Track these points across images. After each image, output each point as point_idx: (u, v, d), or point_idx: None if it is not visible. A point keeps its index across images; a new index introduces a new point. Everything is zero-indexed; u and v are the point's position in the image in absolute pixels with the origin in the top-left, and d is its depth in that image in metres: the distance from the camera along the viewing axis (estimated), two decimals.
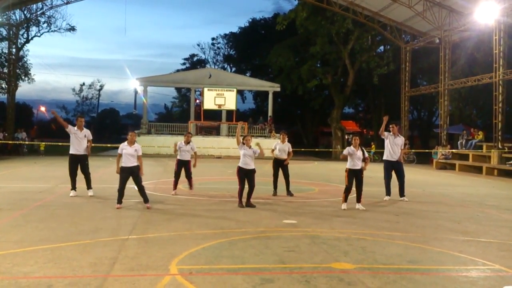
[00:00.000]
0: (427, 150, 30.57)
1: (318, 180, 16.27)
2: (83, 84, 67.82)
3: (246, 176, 9.43)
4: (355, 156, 9.44)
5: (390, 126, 11.47)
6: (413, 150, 30.39)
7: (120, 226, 7.21)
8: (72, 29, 38.11)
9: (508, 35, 23.10)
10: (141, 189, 9.05)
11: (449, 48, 27.46)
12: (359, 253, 5.80)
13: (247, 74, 49.24)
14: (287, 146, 11.55)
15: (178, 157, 11.29)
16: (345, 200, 9.46)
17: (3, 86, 34.37)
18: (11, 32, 32.15)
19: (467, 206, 10.66)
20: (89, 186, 10.50)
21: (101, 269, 4.87)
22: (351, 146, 9.57)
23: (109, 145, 27.89)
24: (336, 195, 11.17)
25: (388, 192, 11.16)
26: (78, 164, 10.42)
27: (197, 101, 41.25)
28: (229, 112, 35.32)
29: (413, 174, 19.74)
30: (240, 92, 46.98)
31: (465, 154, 24.24)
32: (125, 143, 9.17)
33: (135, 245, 5.94)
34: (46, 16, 35.35)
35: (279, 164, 11.49)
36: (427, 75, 37.04)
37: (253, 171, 9.46)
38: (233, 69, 56.21)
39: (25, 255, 5.36)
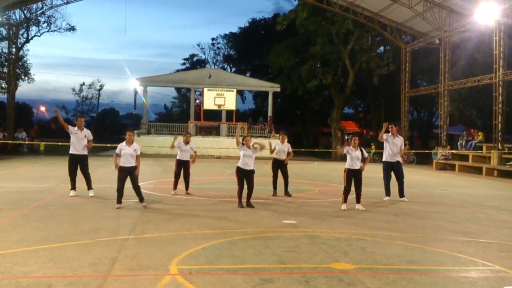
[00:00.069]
0: (427, 151, 30.58)
1: (318, 180, 16.26)
2: (83, 84, 67.95)
3: (245, 176, 9.43)
4: (353, 155, 9.45)
5: (389, 126, 11.48)
6: (413, 151, 30.39)
7: (120, 226, 7.21)
8: (72, 29, 38.12)
9: (508, 36, 23.10)
10: (137, 189, 9.08)
11: (449, 49, 27.46)
12: (359, 254, 5.81)
13: (247, 74, 49.26)
14: (287, 147, 11.56)
15: (178, 157, 11.29)
16: (345, 200, 9.47)
17: (3, 85, 34.37)
18: (11, 31, 32.14)
19: (467, 206, 10.66)
20: (89, 187, 10.49)
21: (101, 269, 4.87)
22: (351, 146, 9.58)
23: (108, 145, 27.88)
24: (336, 195, 11.17)
25: (387, 193, 11.16)
26: (78, 164, 10.41)
27: (197, 101, 41.27)
28: (229, 112, 35.32)
29: (413, 174, 19.74)
30: (240, 92, 46.99)
31: (465, 154, 24.25)
32: (124, 143, 9.18)
33: (135, 245, 5.94)
34: (46, 15, 35.38)
35: (279, 165, 11.49)
36: (427, 75, 37.05)
37: (252, 172, 9.46)
38: (233, 69, 56.25)
39: (25, 254, 5.36)
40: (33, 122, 58.90)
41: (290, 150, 11.64)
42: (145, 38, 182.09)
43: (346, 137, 34.42)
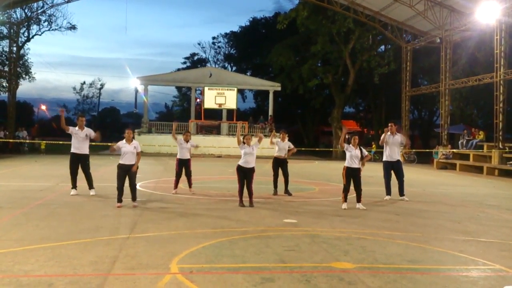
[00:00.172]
0: (427, 150, 30.57)
1: (318, 179, 16.27)
2: (84, 82, 67.86)
3: (245, 174, 9.43)
4: (352, 154, 9.46)
5: (389, 124, 11.46)
6: (413, 150, 30.37)
7: (121, 225, 7.21)
8: (72, 27, 38.18)
9: (509, 35, 23.05)
10: (133, 187, 9.08)
11: (450, 48, 27.44)
12: (360, 253, 5.81)
13: (248, 73, 49.23)
14: (287, 145, 11.58)
15: (178, 156, 11.28)
16: (345, 199, 9.47)
17: (4, 84, 34.41)
18: (12, 30, 32.13)
19: (468, 206, 10.66)
20: (90, 186, 10.50)
21: (101, 268, 4.87)
22: (350, 144, 9.59)
23: (109, 144, 27.85)
24: (337, 194, 11.17)
25: (388, 192, 11.16)
26: (79, 163, 10.43)
27: (198, 100, 41.28)
28: (230, 111, 35.32)
29: (414, 173, 19.73)
30: (240, 91, 46.98)
31: (465, 154, 24.23)
32: (123, 141, 9.19)
33: (135, 244, 5.95)
34: (47, 14, 35.44)
35: (279, 164, 11.50)
36: (428, 74, 37.02)
37: (252, 170, 9.46)
38: (234, 68, 56.24)
39: (25, 253, 5.36)
40: (34, 121, 59.00)
41: (292, 146, 11.66)
42: (146, 37, 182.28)
43: (346, 136, 34.37)
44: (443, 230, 7.54)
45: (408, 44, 31.12)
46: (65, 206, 8.88)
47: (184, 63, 60.06)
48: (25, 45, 35.59)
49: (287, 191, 11.32)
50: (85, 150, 10.51)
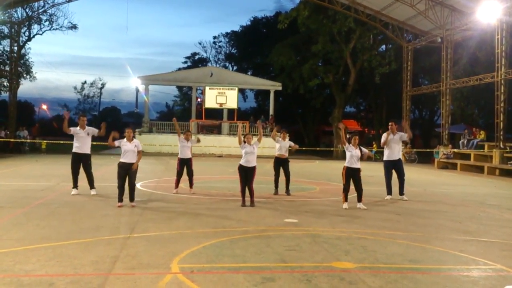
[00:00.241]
0: (428, 150, 30.54)
1: (319, 179, 16.26)
2: (85, 82, 67.93)
3: (246, 173, 9.42)
4: (353, 154, 9.46)
5: (389, 123, 11.47)
6: (414, 150, 30.35)
7: (122, 225, 7.22)
8: (73, 27, 38.15)
9: (510, 35, 23.03)
10: (132, 187, 9.07)
11: (451, 47, 27.41)
12: (360, 252, 5.80)
13: (249, 73, 49.20)
14: (288, 144, 11.59)
15: (180, 156, 11.28)
16: (346, 199, 9.46)
17: (5, 84, 34.42)
18: (13, 30, 32.14)
19: (469, 205, 10.65)
20: (91, 186, 10.50)
21: (102, 268, 4.88)
22: (351, 144, 9.59)
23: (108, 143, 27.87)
24: (337, 194, 11.16)
25: (389, 191, 11.16)
26: (81, 163, 10.44)
27: (199, 99, 41.27)
28: (231, 111, 35.30)
29: (415, 173, 19.72)
30: (241, 91, 47.00)
31: (466, 153, 24.21)
32: (124, 139, 9.20)
33: (136, 244, 5.95)
34: (48, 14, 35.42)
35: (281, 163, 11.50)
36: (429, 74, 36.99)
37: (253, 169, 9.45)
38: (235, 67, 56.23)
39: (26, 253, 5.37)
40: (35, 120, 58.99)
41: (293, 144, 11.65)
42: (147, 36, 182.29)
43: (347, 135, 34.35)
44: (444, 230, 7.53)
45: (409, 43, 31.10)
46: (65, 205, 8.88)
47: (185, 62, 60.11)
48: (26, 44, 35.62)
49: (287, 191, 11.32)
50: (87, 150, 10.52)
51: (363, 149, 9.72)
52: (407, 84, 31.13)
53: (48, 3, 32.34)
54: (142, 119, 37.00)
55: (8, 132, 29.15)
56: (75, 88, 67.15)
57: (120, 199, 8.93)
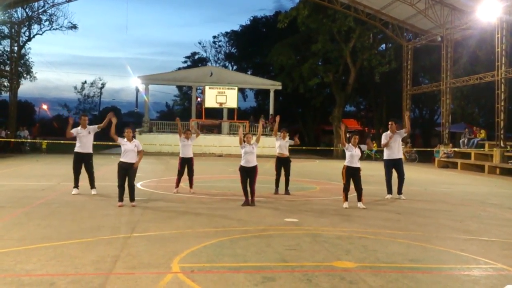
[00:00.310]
0: (429, 149, 30.53)
1: (319, 178, 16.26)
2: (85, 82, 67.99)
3: (247, 174, 9.43)
4: (353, 153, 9.46)
5: (389, 123, 11.47)
6: (414, 149, 30.35)
7: (122, 224, 7.22)
8: (73, 27, 38.19)
9: (511, 33, 23.00)
10: (131, 187, 9.07)
11: (451, 46, 27.39)
12: (361, 252, 5.80)
13: (249, 72, 49.20)
14: (288, 143, 11.59)
15: (181, 155, 11.28)
16: (346, 199, 9.46)
17: (5, 84, 34.45)
18: (13, 30, 32.15)
19: (469, 204, 10.65)
20: (92, 186, 10.52)
21: (103, 267, 4.88)
22: (350, 144, 9.59)
23: (110, 143, 27.92)
24: (338, 193, 11.16)
25: (389, 191, 11.16)
26: (83, 162, 10.45)
27: (199, 99, 41.27)
28: (231, 110, 35.29)
29: (415, 172, 19.72)
30: (241, 90, 46.96)
31: (467, 152, 24.20)
32: (125, 139, 9.21)
33: (137, 243, 5.95)
34: (48, 14, 35.47)
35: (282, 163, 11.50)
36: (429, 73, 36.97)
37: (254, 169, 9.45)
38: (235, 67, 56.22)
39: (27, 252, 5.37)
40: (35, 120, 58.99)
41: (293, 141, 11.64)
42: (147, 36, 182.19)
43: (347, 135, 34.36)
44: (444, 229, 7.53)
45: (409, 42, 31.08)
46: (66, 205, 8.89)
47: (185, 62, 60.12)
48: (26, 44, 35.66)
49: (287, 191, 11.32)
50: (89, 149, 10.55)
51: (362, 146, 9.72)
52: (407, 83, 31.11)
53: (48, 3, 32.35)
54: (142, 118, 37.00)
55: (8, 132, 29.15)
56: (75, 88, 67.26)
57: (121, 199, 8.94)
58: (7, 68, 32.66)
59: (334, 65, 36.51)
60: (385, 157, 11.39)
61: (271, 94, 36.34)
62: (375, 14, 29.79)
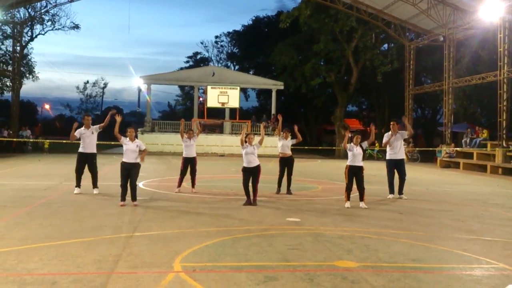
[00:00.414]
0: (431, 149, 30.48)
1: (321, 178, 16.25)
2: (87, 82, 68.16)
3: (251, 174, 9.43)
4: (355, 152, 9.45)
5: (391, 123, 11.46)
6: (417, 149, 30.30)
7: (124, 224, 7.23)
8: (76, 27, 38.29)
9: None
10: (134, 187, 9.08)
11: (453, 46, 27.34)
12: (363, 251, 5.80)
13: (251, 72, 49.20)
14: (290, 143, 11.59)
15: (184, 155, 11.28)
16: (348, 198, 9.45)
17: (8, 84, 34.53)
18: (15, 30, 32.24)
19: (471, 204, 10.63)
20: (95, 185, 10.53)
21: (105, 266, 4.88)
22: (352, 143, 9.58)
23: (113, 142, 27.96)
24: (340, 193, 11.15)
25: (391, 191, 11.15)
26: (86, 163, 10.47)
27: (201, 99, 41.30)
28: (233, 110, 35.30)
29: (417, 172, 19.69)
30: (243, 90, 46.95)
31: (469, 152, 24.15)
32: (127, 138, 9.22)
33: (139, 243, 5.96)
34: (50, 14, 35.59)
35: (286, 162, 11.50)
36: (431, 73, 36.90)
37: (257, 168, 9.44)
38: (237, 67, 56.23)
39: (29, 252, 5.38)
40: (37, 120, 59.13)
41: (295, 140, 11.61)
42: (149, 36, 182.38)
43: (349, 134, 34.30)
44: (446, 229, 7.52)
45: (411, 42, 31.04)
46: (68, 205, 8.90)
47: (187, 62, 60.17)
48: (29, 44, 35.75)
49: (288, 191, 11.32)
50: (93, 149, 10.57)
51: (363, 146, 9.70)
52: (409, 83, 31.08)
53: (50, 3, 32.40)
54: (144, 118, 37.03)
55: (11, 132, 29.20)
56: (77, 87, 67.43)
57: (123, 198, 8.95)
58: (10, 68, 32.73)
59: (336, 65, 36.47)
60: (388, 157, 11.39)
61: (273, 94, 36.34)
62: (377, 14, 29.77)
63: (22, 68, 34.32)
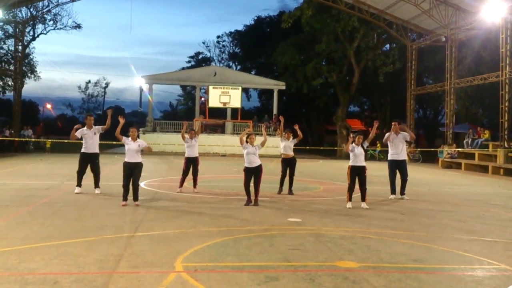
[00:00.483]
0: (432, 149, 30.43)
1: (323, 178, 16.25)
2: (89, 81, 68.22)
3: (253, 173, 9.43)
4: (356, 153, 9.45)
5: (392, 123, 11.45)
6: (418, 149, 30.26)
7: (126, 223, 7.24)
8: (77, 26, 38.28)
9: None
10: (136, 187, 9.08)
11: (455, 47, 27.31)
12: (364, 252, 5.80)
13: (252, 72, 49.17)
14: (293, 143, 11.59)
15: (186, 155, 11.29)
16: (350, 198, 9.45)
17: (10, 83, 34.54)
18: (17, 29, 32.28)
19: (473, 205, 10.62)
20: (96, 185, 10.53)
21: (106, 266, 4.89)
22: (354, 143, 9.58)
23: (114, 142, 27.97)
24: (341, 193, 11.15)
25: (393, 191, 11.14)
26: (89, 163, 10.48)
27: (202, 99, 41.27)
28: (234, 110, 35.30)
29: (419, 173, 19.66)
30: (245, 90, 46.95)
31: (471, 153, 24.12)
32: (129, 138, 9.24)
33: (140, 242, 5.97)
34: (52, 13, 35.57)
35: (288, 163, 11.50)
36: (433, 73, 36.84)
37: (259, 168, 9.44)
38: (238, 67, 56.22)
39: (31, 251, 5.39)
40: (39, 119, 59.23)
41: (296, 140, 11.57)
42: (150, 36, 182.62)
43: (351, 134, 34.27)
44: (448, 230, 7.51)
45: (413, 42, 31.01)
46: (70, 204, 8.92)
47: (189, 62, 60.19)
48: (31, 44, 35.74)
49: (290, 191, 11.32)
50: (95, 149, 10.58)
51: (364, 146, 9.70)
52: (411, 84, 31.04)
53: (53, 2, 32.48)
54: (146, 118, 37.04)
55: (12, 131, 29.25)
56: (79, 87, 67.51)
57: (125, 198, 8.96)
58: (12, 68, 32.77)
59: (338, 65, 36.45)
60: (389, 157, 11.38)
61: (275, 94, 36.31)
62: (379, 14, 29.74)
63: (24, 68, 34.35)
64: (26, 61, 36.09)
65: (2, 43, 35.54)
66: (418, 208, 9.71)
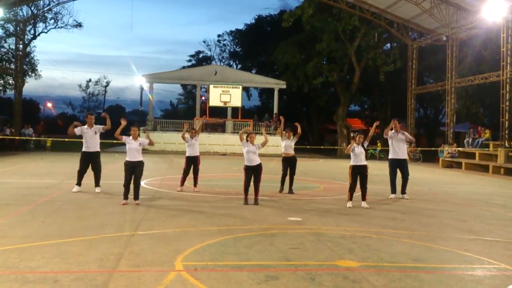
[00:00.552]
0: (433, 148, 30.42)
1: (323, 177, 16.25)
2: (90, 80, 68.14)
3: (253, 172, 9.43)
4: (357, 152, 9.45)
5: (392, 122, 11.44)
6: (419, 148, 30.25)
7: (126, 222, 7.24)
8: (78, 25, 38.31)
9: None
10: (137, 186, 9.09)
11: (456, 46, 27.29)
12: (364, 251, 5.80)
13: (253, 71, 49.17)
14: (293, 142, 11.59)
15: (187, 154, 11.29)
16: (350, 198, 9.45)
17: (10, 82, 34.60)
18: (18, 28, 32.29)
19: (473, 204, 10.61)
20: (97, 184, 10.54)
21: (107, 265, 4.90)
22: (355, 143, 9.58)
23: (115, 141, 27.99)
24: (342, 192, 11.15)
25: (393, 190, 11.14)
26: (90, 162, 10.47)
27: (203, 98, 41.28)
28: (235, 109, 35.31)
29: (419, 172, 19.66)
30: (245, 89, 46.93)
31: (471, 152, 24.11)
32: (130, 137, 9.25)
33: (140, 241, 5.97)
34: (53, 12, 35.60)
35: (288, 162, 11.50)
36: (434, 73, 36.82)
37: (259, 167, 9.44)
38: (239, 66, 56.18)
39: (31, 250, 5.40)
40: (40, 118, 59.25)
41: (296, 138, 11.57)
42: (151, 35, 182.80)
43: (352, 135, 34.28)
44: (448, 229, 7.51)
45: (414, 42, 30.98)
46: (70, 203, 8.92)
47: (189, 61, 60.18)
48: (31, 42, 35.79)
49: (290, 190, 11.33)
50: (96, 148, 10.58)
51: (364, 143, 9.71)
52: (412, 83, 31.03)
53: (53, 1, 32.54)
54: (147, 117, 37.06)
55: (13, 130, 29.28)
56: (80, 86, 67.46)
57: (125, 197, 8.96)
58: (12, 66, 32.79)
59: (338, 64, 36.43)
60: (390, 156, 11.37)
61: (276, 93, 36.31)
62: (380, 13, 29.72)
63: (24, 66, 34.38)
64: (27, 59, 36.16)
65: (3, 41, 35.65)
66: (419, 208, 9.71)
